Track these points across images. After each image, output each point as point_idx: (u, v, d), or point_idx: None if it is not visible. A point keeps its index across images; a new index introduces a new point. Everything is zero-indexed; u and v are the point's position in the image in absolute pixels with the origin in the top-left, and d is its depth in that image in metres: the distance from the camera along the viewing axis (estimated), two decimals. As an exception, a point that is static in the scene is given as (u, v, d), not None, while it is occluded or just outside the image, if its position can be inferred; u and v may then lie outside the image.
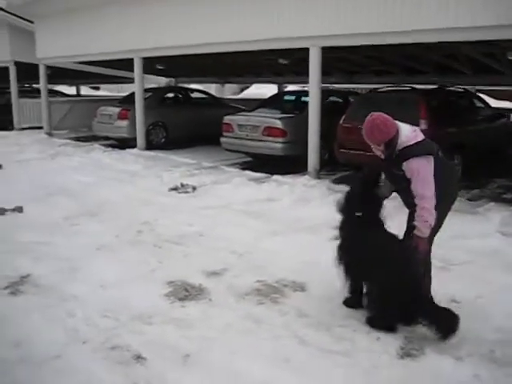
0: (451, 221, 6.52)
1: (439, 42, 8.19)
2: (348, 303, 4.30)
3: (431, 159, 3.85)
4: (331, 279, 4.84)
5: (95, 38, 13.86)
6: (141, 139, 13.37)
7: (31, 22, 16.33)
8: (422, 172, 3.79)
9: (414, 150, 3.83)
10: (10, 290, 4.76)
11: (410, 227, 4.03)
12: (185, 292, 4.66)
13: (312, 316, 4.18)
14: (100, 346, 3.75)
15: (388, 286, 3.82)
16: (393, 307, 3.82)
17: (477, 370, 3.36)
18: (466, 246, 5.82)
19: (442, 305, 4.10)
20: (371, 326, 3.96)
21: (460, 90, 10.82)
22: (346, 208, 4.19)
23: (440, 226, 4.20)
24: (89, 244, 6.00)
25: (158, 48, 12.11)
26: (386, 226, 4.12)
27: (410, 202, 4.01)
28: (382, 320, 3.91)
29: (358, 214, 4.09)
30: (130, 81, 14.78)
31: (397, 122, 3.96)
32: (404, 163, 3.82)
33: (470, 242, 5.95)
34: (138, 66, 13.06)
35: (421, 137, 3.96)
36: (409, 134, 3.91)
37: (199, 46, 11.10)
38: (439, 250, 5.58)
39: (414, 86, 10.52)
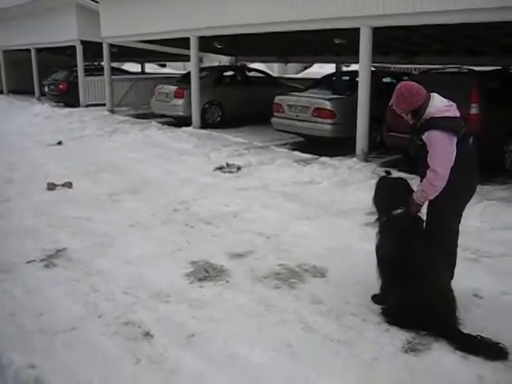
0: (495, 210, 6.37)
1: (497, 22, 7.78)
2: (375, 299, 4.16)
3: (453, 138, 3.70)
4: (353, 266, 4.85)
5: (153, 18, 14.11)
6: (196, 118, 13.55)
7: (97, 1, 16.79)
8: (439, 146, 3.67)
9: (438, 122, 3.71)
10: (45, 263, 5.02)
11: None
12: (205, 273, 4.75)
13: (325, 303, 4.16)
14: (114, 321, 3.90)
15: (414, 288, 3.70)
16: (412, 309, 3.70)
17: (481, 371, 3.23)
18: (505, 238, 5.59)
19: (463, 299, 3.98)
20: (385, 318, 3.89)
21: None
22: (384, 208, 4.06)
23: (459, 214, 4.04)
24: (124, 221, 6.21)
25: (213, 27, 12.20)
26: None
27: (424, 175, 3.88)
28: (396, 317, 3.82)
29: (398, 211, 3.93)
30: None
31: (433, 93, 3.85)
32: (426, 133, 3.72)
33: (509, 234, 5.70)
34: (193, 45, 13.18)
35: (453, 113, 3.81)
36: (440, 107, 3.78)
37: (251, 25, 11.11)
38: (475, 241, 5.46)
39: (476, 67, 10.06)
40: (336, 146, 10.31)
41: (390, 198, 4.01)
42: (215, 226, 6.07)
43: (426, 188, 3.76)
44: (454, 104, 3.90)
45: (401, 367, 3.29)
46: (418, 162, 4.05)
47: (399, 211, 3.91)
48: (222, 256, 5.13)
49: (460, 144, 3.75)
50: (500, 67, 10.71)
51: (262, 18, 10.74)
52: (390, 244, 3.94)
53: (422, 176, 3.87)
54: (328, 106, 10.25)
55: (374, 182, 7.40)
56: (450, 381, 3.19)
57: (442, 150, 3.67)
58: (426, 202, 3.96)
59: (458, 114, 3.85)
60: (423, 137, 3.75)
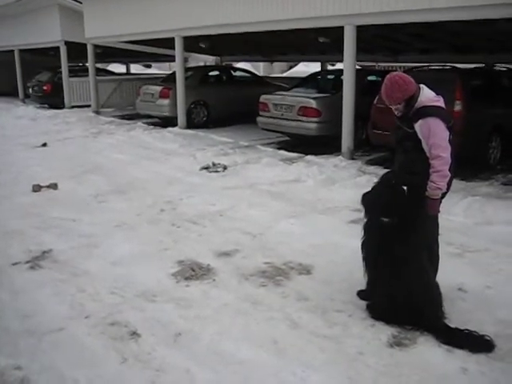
0: (480, 205, 6.44)
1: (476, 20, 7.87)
2: (361, 295, 4.20)
3: (445, 126, 3.75)
4: (339, 263, 4.90)
5: (138, 18, 14.06)
6: (181, 118, 13.52)
7: (80, 2, 16.69)
8: (439, 132, 3.72)
9: (432, 110, 3.77)
10: (30, 265, 4.99)
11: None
12: (191, 272, 4.75)
13: (311, 300, 4.18)
14: (100, 321, 3.89)
15: (399, 283, 3.73)
16: (398, 304, 3.73)
17: (465, 364, 3.27)
18: (488, 233, 5.66)
19: (447, 293, 4.04)
20: (369, 314, 3.93)
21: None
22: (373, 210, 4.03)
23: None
24: (111, 221, 6.19)
25: (197, 27, 12.19)
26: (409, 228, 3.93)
27: (404, 164, 3.97)
28: (382, 312, 3.85)
29: (385, 220, 3.91)
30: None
31: (421, 85, 3.90)
32: (419, 121, 3.76)
33: (493, 229, 5.79)
34: (178, 45, 13.16)
35: (442, 104, 3.87)
36: (431, 96, 3.86)
37: (236, 25, 11.13)
38: (459, 237, 5.53)
39: (460, 65, 10.16)
40: (321, 144, 10.37)
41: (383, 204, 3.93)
42: (201, 225, 6.07)
43: (434, 178, 3.73)
44: (441, 98, 3.95)
45: (386, 361, 3.32)
46: (397, 150, 4.10)
47: (386, 220, 3.90)
48: (209, 255, 5.14)
49: (449, 135, 3.81)
50: (484, 65, 10.80)
51: (246, 17, 10.75)
52: (375, 241, 3.97)
53: (399, 163, 3.91)
54: (313, 104, 10.30)
55: (360, 179, 7.58)
56: (435, 374, 3.22)
57: (442, 136, 3.72)
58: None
59: (444, 106, 3.91)
60: (416, 125, 3.78)
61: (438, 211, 3.93)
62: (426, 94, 3.85)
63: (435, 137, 3.71)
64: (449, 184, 3.87)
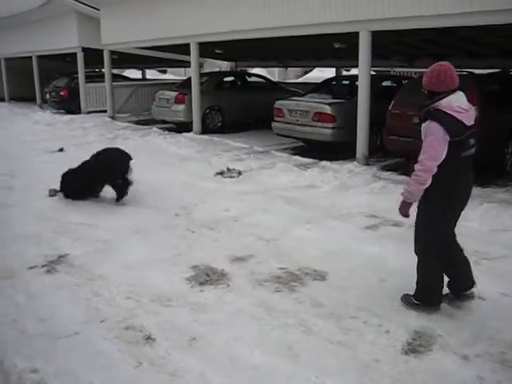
0: (496, 212, 6.38)
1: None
2: None
3: (446, 137, 3.59)
4: (353, 269, 4.88)
5: (154, 24, 14.17)
6: (197, 123, 13.58)
7: (97, 9, 16.89)
8: (431, 138, 3.62)
9: (440, 115, 3.65)
10: (47, 269, 5.03)
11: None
12: (206, 277, 4.76)
13: (326, 306, 4.17)
14: (115, 326, 3.91)
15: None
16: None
17: (481, 372, 3.24)
18: (505, 240, 5.62)
19: (465, 301, 4.03)
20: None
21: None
22: None
23: (455, 218, 4.03)
24: (126, 226, 6.23)
25: (213, 33, 12.26)
26: None
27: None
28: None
29: None
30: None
31: (459, 91, 3.74)
32: (427, 121, 3.72)
33: (509, 236, 5.76)
34: (194, 51, 13.23)
35: (462, 118, 3.65)
36: (453, 104, 3.65)
37: (251, 31, 11.17)
38: (475, 243, 5.46)
39: (476, 70, 10.09)
40: (336, 150, 10.35)
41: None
42: (216, 230, 6.09)
43: (410, 180, 3.72)
44: (472, 111, 3.78)
45: (401, 368, 3.30)
46: None
47: None
48: (223, 260, 5.15)
49: (456, 149, 3.66)
50: (499, 70, 10.71)
51: (261, 23, 10.78)
52: None
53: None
54: (328, 110, 10.29)
55: (375, 185, 7.57)
56: (451, 382, 3.20)
57: (433, 144, 3.62)
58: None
59: (467, 122, 3.70)
60: (423, 125, 3.77)
61: (407, 216, 3.87)
62: (450, 100, 3.67)
63: (427, 142, 3.67)
64: (465, 200, 3.84)
